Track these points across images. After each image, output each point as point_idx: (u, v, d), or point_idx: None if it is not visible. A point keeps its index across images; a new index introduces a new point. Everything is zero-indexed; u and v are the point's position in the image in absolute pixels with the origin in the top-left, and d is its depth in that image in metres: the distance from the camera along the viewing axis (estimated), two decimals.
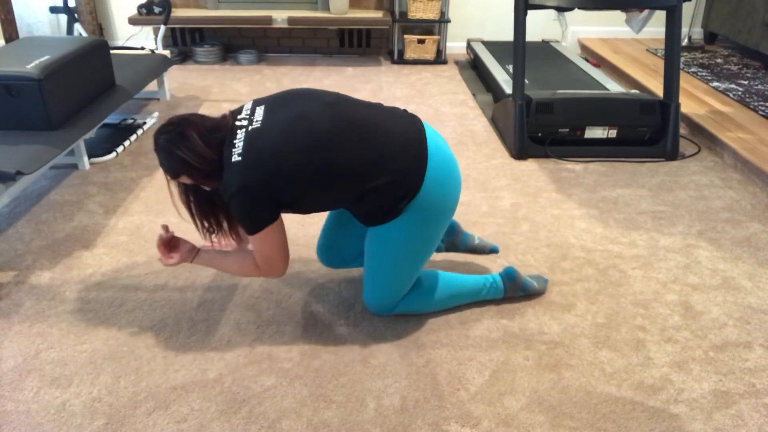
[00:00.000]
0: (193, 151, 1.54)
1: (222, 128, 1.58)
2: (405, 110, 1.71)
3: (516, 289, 1.89)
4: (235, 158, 1.51)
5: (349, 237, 1.88)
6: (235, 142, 1.54)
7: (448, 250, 2.08)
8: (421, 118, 3.55)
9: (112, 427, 1.46)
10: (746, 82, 3.92)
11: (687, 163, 2.97)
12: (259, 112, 1.60)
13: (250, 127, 1.56)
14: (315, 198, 1.59)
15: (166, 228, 1.70)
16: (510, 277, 1.88)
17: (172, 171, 1.58)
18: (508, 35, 5.05)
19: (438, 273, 1.83)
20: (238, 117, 1.61)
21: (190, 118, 1.59)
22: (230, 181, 1.51)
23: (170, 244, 1.72)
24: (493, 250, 2.08)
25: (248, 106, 1.65)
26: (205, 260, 1.72)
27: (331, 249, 1.91)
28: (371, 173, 1.56)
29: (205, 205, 1.76)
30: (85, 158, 2.83)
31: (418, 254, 1.68)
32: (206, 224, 1.77)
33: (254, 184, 1.50)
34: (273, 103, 1.62)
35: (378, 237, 1.67)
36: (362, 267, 1.87)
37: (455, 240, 2.05)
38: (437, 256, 2.16)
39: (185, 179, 1.60)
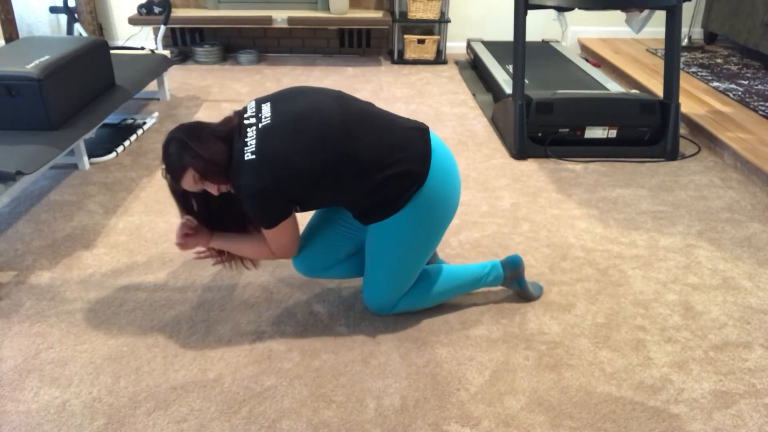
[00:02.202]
0: (205, 144, 1.53)
1: (227, 123, 1.60)
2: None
3: (514, 280, 1.88)
4: (248, 156, 1.51)
5: (327, 244, 1.80)
6: (246, 140, 1.54)
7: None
8: (421, 118, 3.55)
9: (112, 427, 1.46)
10: (746, 82, 3.92)
11: (687, 163, 2.97)
12: (266, 109, 1.60)
13: (260, 125, 1.56)
14: (326, 193, 1.60)
15: (188, 219, 1.74)
16: (514, 264, 1.86)
17: (180, 164, 1.52)
18: (508, 35, 5.05)
19: (437, 267, 1.83)
20: (245, 116, 1.61)
21: (200, 121, 1.61)
22: (244, 181, 1.51)
23: (187, 232, 1.75)
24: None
25: (252, 105, 1.65)
26: (221, 243, 1.75)
27: (309, 256, 1.81)
28: (383, 164, 1.57)
29: (206, 209, 1.75)
30: (85, 158, 2.83)
31: (419, 252, 1.68)
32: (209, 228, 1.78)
33: (269, 183, 1.50)
34: (278, 100, 1.62)
35: (379, 235, 1.67)
36: (340, 278, 1.86)
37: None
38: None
39: (190, 176, 1.54)
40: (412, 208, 1.62)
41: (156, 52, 3.62)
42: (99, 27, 4.68)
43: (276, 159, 1.50)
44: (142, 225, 2.35)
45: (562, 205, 2.53)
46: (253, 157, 1.50)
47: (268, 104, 1.61)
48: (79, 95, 2.66)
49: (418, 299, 1.79)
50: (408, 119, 1.70)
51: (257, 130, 1.54)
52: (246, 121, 1.58)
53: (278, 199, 1.54)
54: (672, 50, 2.93)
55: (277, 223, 1.59)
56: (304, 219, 2.40)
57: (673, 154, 2.98)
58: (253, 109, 1.62)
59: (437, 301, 1.84)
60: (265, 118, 1.56)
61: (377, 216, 1.64)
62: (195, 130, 1.56)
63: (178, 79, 4.20)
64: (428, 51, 4.72)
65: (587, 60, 4.62)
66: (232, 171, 1.55)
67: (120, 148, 3.02)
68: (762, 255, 2.20)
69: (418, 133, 1.64)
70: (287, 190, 1.53)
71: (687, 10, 5.03)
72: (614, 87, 3.51)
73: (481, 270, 1.85)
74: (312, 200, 1.62)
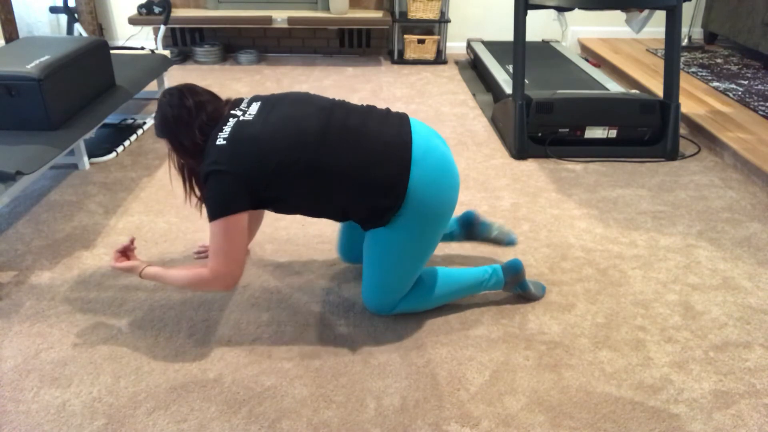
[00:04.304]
0: (186, 128, 1.60)
1: (218, 119, 1.63)
2: (396, 114, 1.71)
3: (515, 284, 1.88)
4: (220, 141, 1.55)
5: (356, 234, 1.91)
6: (224, 128, 1.58)
7: (466, 239, 2.11)
8: (421, 118, 3.54)
9: (112, 427, 1.46)
10: (746, 82, 3.92)
11: (687, 163, 2.97)
12: (255, 107, 1.65)
13: (241, 118, 1.61)
14: (301, 200, 1.61)
15: (132, 240, 1.72)
16: (515, 269, 1.86)
17: (159, 131, 1.65)
18: (508, 35, 5.05)
19: (437, 270, 1.83)
20: (235, 108, 1.66)
21: (201, 98, 1.64)
22: (209, 163, 1.54)
23: (125, 253, 1.71)
24: (511, 242, 2.12)
25: (247, 100, 1.70)
26: (152, 274, 1.66)
27: (348, 244, 1.97)
28: (358, 182, 1.57)
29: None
30: (85, 158, 2.83)
31: (417, 256, 1.68)
32: (197, 192, 1.81)
33: (232, 170, 1.52)
34: (268, 102, 1.66)
35: (376, 241, 1.67)
36: None
37: (473, 231, 2.08)
38: (436, 252, 2.15)
39: (167, 143, 1.66)
40: (404, 219, 1.62)
41: (156, 52, 3.62)
42: (99, 27, 4.68)
43: (244, 149, 1.53)
44: (142, 225, 2.35)
45: (562, 205, 2.53)
46: (224, 143, 1.55)
47: (259, 104, 1.66)
48: (79, 95, 2.66)
49: (417, 301, 1.79)
50: (395, 130, 1.63)
51: (237, 121, 1.60)
52: (233, 111, 1.64)
53: (236, 189, 1.53)
54: (672, 50, 2.93)
55: (226, 214, 1.54)
56: (304, 220, 2.40)
57: (673, 154, 2.98)
58: (245, 104, 1.67)
59: (437, 303, 1.84)
60: (249, 114, 1.61)
61: (370, 225, 1.67)
62: (181, 107, 1.61)
63: (178, 79, 4.20)
64: (428, 51, 4.72)
65: (587, 60, 4.62)
66: (204, 154, 1.59)
67: (120, 148, 3.02)
68: (762, 255, 2.20)
69: (399, 149, 1.59)
70: (248, 182, 1.54)
71: (687, 10, 5.03)
72: (614, 87, 3.51)
73: (482, 274, 1.85)
74: (283, 204, 1.63)
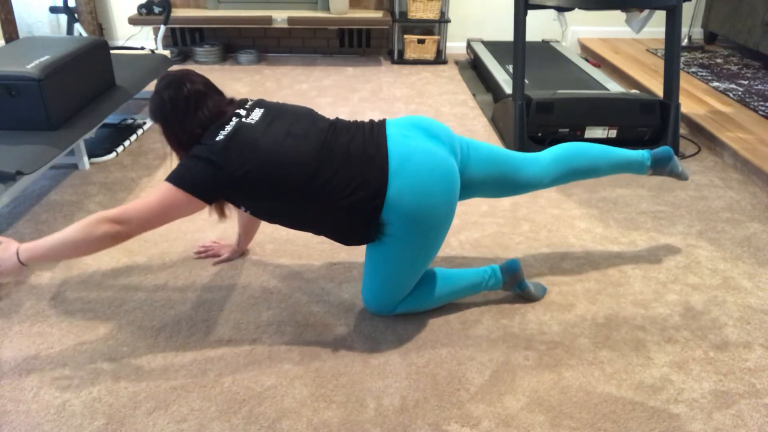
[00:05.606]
0: (182, 116, 1.59)
1: (220, 116, 1.62)
2: (377, 126, 1.69)
3: (513, 283, 1.87)
4: (219, 137, 1.55)
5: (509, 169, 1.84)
6: (226, 126, 1.58)
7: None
8: None
9: (112, 427, 1.46)
10: (746, 82, 3.92)
11: (687, 163, 2.97)
12: (258, 112, 1.64)
13: (244, 120, 1.61)
14: (282, 214, 1.62)
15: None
16: (512, 269, 1.86)
17: (153, 115, 1.63)
18: (508, 35, 5.05)
19: (437, 270, 1.83)
20: (238, 109, 1.66)
21: (198, 87, 1.62)
22: (203, 149, 1.54)
23: None
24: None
25: (250, 103, 1.70)
26: (31, 248, 1.50)
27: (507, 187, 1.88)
28: (340, 205, 1.57)
29: None
30: (85, 158, 2.82)
31: (417, 263, 1.68)
32: None
33: (222, 165, 1.52)
34: (271, 111, 1.66)
35: (375, 249, 1.67)
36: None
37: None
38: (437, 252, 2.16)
39: (160, 127, 1.65)
40: (395, 231, 1.61)
41: (156, 52, 3.62)
42: (99, 27, 4.68)
43: (242, 148, 1.53)
44: None
45: (562, 205, 2.53)
46: (222, 138, 1.55)
47: (262, 110, 1.66)
48: (79, 95, 2.66)
49: (417, 302, 1.79)
50: (373, 144, 1.62)
51: (239, 121, 1.60)
52: (236, 110, 1.64)
53: (213, 179, 1.52)
54: (672, 50, 2.93)
55: (186, 187, 1.51)
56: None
57: None
58: (249, 107, 1.67)
59: (437, 304, 1.84)
60: (251, 119, 1.61)
61: (357, 242, 1.67)
62: (177, 100, 1.59)
63: None
64: (428, 51, 4.72)
65: (587, 60, 4.62)
66: (200, 145, 1.58)
67: (120, 148, 3.02)
68: (762, 255, 2.20)
69: (377, 165, 1.58)
70: (229, 181, 1.53)
71: (687, 10, 5.03)
72: (614, 87, 3.51)
73: (481, 275, 1.85)
74: (259, 210, 1.63)
